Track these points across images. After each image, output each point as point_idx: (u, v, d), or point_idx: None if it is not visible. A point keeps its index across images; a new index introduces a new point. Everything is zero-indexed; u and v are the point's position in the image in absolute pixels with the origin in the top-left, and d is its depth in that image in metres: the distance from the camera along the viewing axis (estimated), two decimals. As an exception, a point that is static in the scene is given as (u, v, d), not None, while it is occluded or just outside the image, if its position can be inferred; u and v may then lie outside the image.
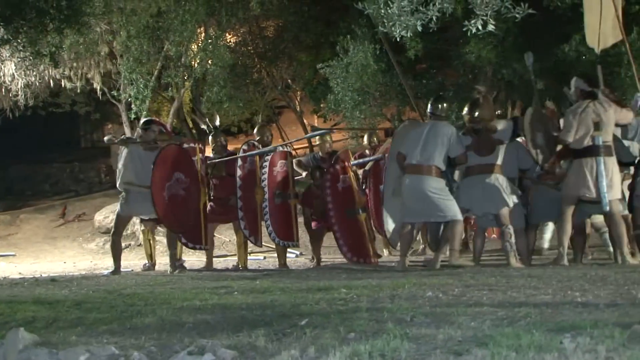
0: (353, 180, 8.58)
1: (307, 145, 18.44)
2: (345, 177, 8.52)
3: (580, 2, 7.63)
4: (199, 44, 14.65)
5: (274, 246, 9.36)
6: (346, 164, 8.63)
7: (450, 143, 6.89)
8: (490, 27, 6.61)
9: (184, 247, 8.65)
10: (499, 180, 6.89)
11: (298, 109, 19.56)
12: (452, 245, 6.90)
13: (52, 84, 15.26)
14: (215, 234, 9.66)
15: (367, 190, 9.02)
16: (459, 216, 6.88)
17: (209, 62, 14.70)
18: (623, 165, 7.24)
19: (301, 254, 10.57)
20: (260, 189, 8.38)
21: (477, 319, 3.44)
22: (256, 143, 9.02)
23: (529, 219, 7.38)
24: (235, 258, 9.13)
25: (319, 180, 8.79)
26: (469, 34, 7.15)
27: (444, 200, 6.84)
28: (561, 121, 7.01)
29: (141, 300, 4.98)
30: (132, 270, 8.80)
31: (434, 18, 6.69)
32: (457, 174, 7.35)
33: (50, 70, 14.09)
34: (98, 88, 15.19)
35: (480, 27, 6.57)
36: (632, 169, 7.10)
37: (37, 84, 14.94)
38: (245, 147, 8.74)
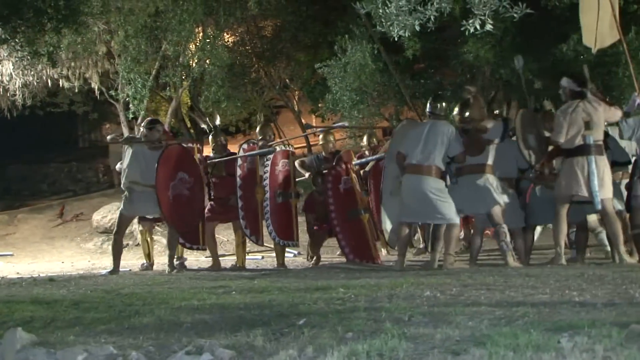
0: (355, 181, 8.56)
1: (305, 144, 18.45)
2: (347, 178, 8.48)
3: (578, 2, 7.63)
4: (197, 44, 14.64)
5: (271, 246, 9.36)
6: (348, 165, 8.62)
7: (449, 142, 6.89)
8: (488, 27, 6.61)
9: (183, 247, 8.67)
10: (489, 180, 6.90)
11: (296, 109, 19.57)
12: (447, 249, 6.91)
13: (49, 84, 15.26)
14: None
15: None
16: (456, 220, 6.90)
17: (207, 61, 14.70)
18: (619, 165, 7.26)
19: (299, 253, 10.57)
20: (260, 188, 8.37)
21: (475, 319, 3.44)
22: (256, 142, 9.03)
23: (527, 219, 7.39)
24: (233, 258, 9.13)
25: (321, 186, 8.77)
26: (467, 34, 7.15)
27: (443, 202, 6.83)
28: None
29: (139, 300, 4.98)
30: (130, 270, 8.79)
31: (432, 17, 6.69)
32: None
33: (48, 70, 14.08)
34: (96, 88, 15.18)
35: (478, 27, 6.57)
36: (629, 169, 7.11)
37: (35, 83, 14.93)
38: (245, 146, 8.73)
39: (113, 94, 14.47)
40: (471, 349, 2.79)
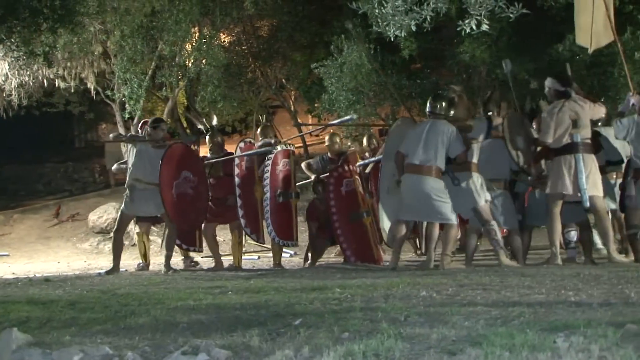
0: (358, 183, 8.53)
1: (301, 144, 18.44)
2: (350, 180, 8.45)
3: (573, 2, 7.65)
4: (193, 44, 14.65)
5: (269, 246, 9.35)
6: (352, 167, 8.61)
7: (450, 142, 6.87)
8: (484, 27, 6.63)
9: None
10: (473, 178, 6.90)
11: (292, 109, 19.56)
12: (445, 250, 6.92)
13: (45, 84, 15.24)
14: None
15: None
16: (454, 220, 6.90)
17: (203, 61, 14.70)
18: (613, 164, 7.29)
19: (295, 253, 10.56)
20: (259, 186, 8.36)
21: (471, 319, 3.44)
22: (253, 140, 9.03)
23: (525, 221, 7.41)
24: (229, 258, 9.12)
25: (321, 194, 8.76)
26: (463, 34, 7.17)
27: (442, 202, 6.82)
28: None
29: (135, 300, 4.97)
30: (126, 270, 8.77)
31: (428, 18, 6.71)
32: None
33: (44, 70, 14.08)
34: (92, 88, 15.17)
35: (474, 27, 6.59)
36: (622, 168, 7.15)
37: (31, 83, 14.92)
38: (242, 145, 8.72)
39: (109, 94, 14.47)
40: (467, 349, 2.79)
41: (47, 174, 21.29)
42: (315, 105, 17.44)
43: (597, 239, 7.57)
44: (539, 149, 7.11)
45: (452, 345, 2.90)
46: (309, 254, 9.08)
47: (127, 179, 8.13)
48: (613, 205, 7.19)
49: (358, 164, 9.16)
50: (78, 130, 25.54)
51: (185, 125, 19.36)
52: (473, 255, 7.43)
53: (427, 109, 7.26)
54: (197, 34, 15.20)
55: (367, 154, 9.83)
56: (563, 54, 11.15)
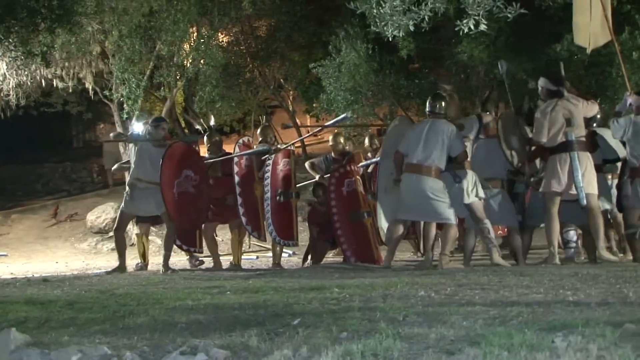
0: (359, 183, 8.53)
1: (299, 145, 18.42)
2: (351, 180, 8.46)
3: (572, 2, 7.66)
4: (191, 44, 14.64)
5: (267, 246, 9.35)
6: (353, 167, 8.60)
7: (450, 142, 6.87)
8: (482, 27, 6.63)
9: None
10: (467, 176, 6.91)
11: (290, 109, 19.56)
12: (444, 250, 6.93)
13: (43, 84, 15.20)
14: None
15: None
16: (453, 220, 6.90)
17: (201, 61, 14.69)
18: (609, 162, 7.30)
19: (294, 253, 10.56)
20: (259, 184, 8.36)
21: (469, 318, 3.45)
22: (251, 139, 9.03)
23: (526, 221, 7.41)
24: (227, 258, 9.12)
25: (321, 197, 8.76)
26: (461, 34, 7.17)
27: (442, 202, 6.83)
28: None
29: (133, 300, 4.96)
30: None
31: (426, 18, 6.71)
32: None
33: (42, 70, 14.04)
34: (90, 88, 15.14)
35: (472, 27, 6.59)
36: (618, 166, 7.16)
37: (29, 83, 14.87)
38: (240, 142, 8.73)
39: (107, 94, 14.44)
40: (465, 349, 2.79)
41: (45, 174, 21.27)
42: (314, 105, 17.46)
43: None
44: (533, 148, 7.12)
45: (451, 345, 2.90)
46: (309, 255, 9.08)
47: (129, 177, 8.13)
48: (607, 206, 7.20)
49: (363, 164, 9.16)
50: (76, 130, 25.51)
51: (183, 125, 19.35)
52: (471, 255, 7.43)
53: (427, 109, 7.26)
54: (195, 34, 15.18)
55: (369, 154, 9.83)
56: (561, 53, 11.17)
